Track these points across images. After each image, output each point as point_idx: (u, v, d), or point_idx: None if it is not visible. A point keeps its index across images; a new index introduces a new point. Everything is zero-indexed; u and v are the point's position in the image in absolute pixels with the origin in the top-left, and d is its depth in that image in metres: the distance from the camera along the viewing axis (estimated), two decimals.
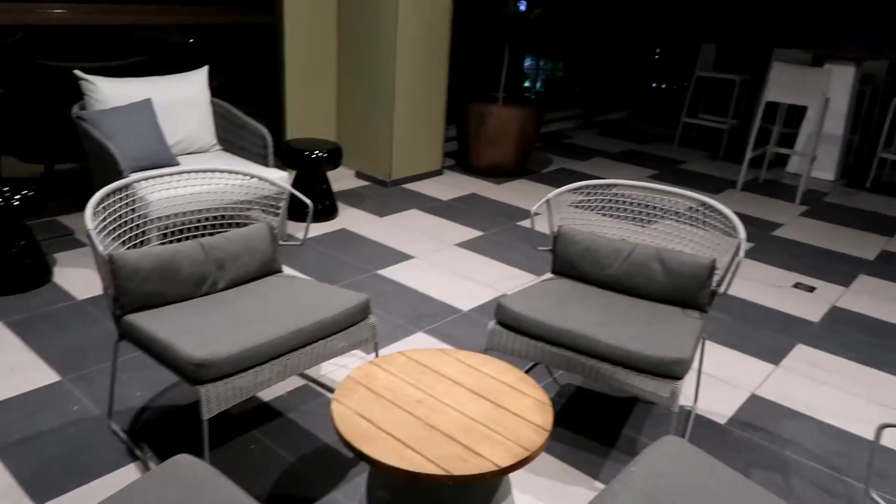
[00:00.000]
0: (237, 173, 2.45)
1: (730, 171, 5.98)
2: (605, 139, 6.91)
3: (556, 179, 5.32)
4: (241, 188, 3.29)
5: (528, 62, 9.64)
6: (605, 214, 2.64)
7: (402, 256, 3.73)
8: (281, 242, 2.43)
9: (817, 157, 5.81)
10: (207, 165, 3.09)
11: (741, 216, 4.82)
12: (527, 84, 7.75)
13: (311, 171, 4.09)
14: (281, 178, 3.47)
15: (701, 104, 6.95)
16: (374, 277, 3.45)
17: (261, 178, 2.42)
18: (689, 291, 2.32)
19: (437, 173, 5.22)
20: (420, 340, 2.88)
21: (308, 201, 2.40)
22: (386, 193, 4.74)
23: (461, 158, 5.44)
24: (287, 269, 3.45)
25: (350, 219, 4.23)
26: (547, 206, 2.58)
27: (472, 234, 4.13)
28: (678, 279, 2.33)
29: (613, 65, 8.25)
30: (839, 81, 5.68)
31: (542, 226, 4.21)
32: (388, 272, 3.52)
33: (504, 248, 3.92)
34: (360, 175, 5.03)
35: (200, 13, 4.45)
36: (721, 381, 2.76)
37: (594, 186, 2.59)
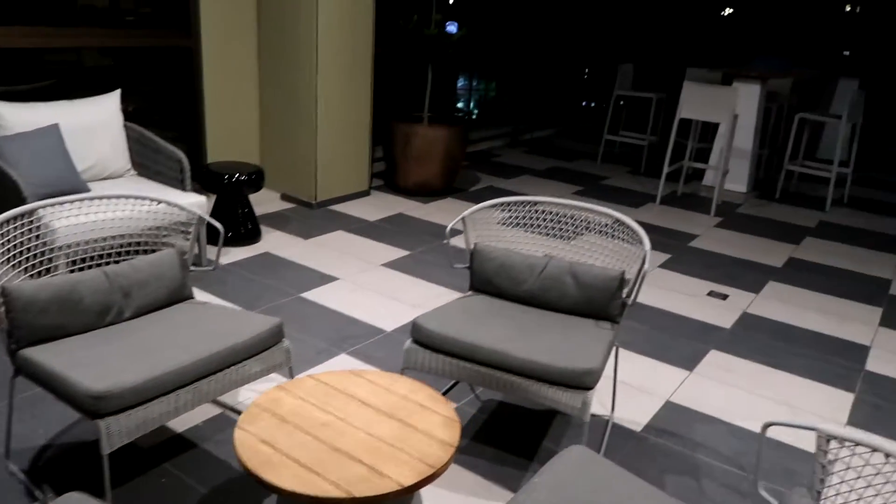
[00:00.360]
0: (145, 199, 2.39)
1: (650, 185, 6.19)
2: (532, 157, 7.06)
3: (483, 197, 5.40)
4: (152, 214, 3.20)
5: (461, 82, 9.77)
6: (526, 230, 2.69)
7: (326, 278, 3.70)
8: (192, 268, 2.38)
9: (730, 171, 6.08)
10: (116, 191, 3.01)
11: (659, 229, 5.00)
12: (460, 104, 7.87)
13: (232, 194, 4.02)
14: (196, 202, 3.40)
15: (622, 122, 7.19)
16: (297, 301, 3.40)
17: (169, 204, 2.36)
18: (601, 303, 2.38)
19: (365, 194, 5.21)
20: (342, 363, 2.86)
21: (219, 226, 2.37)
22: (312, 215, 4.70)
23: (389, 178, 5.45)
24: (207, 296, 3.37)
25: (274, 242, 4.17)
26: (463, 224, 2.61)
27: (398, 253, 4.13)
28: (590, 292, 2.39)
29: (543, 84, 8.46)
30: (747, 99, 5.99)
31: (463, 243, 4.25)
32: (312, 295, 3.48)
33: (430, 266, 3.94)
34: (285, 197, 4.98)
35: (114, 36, 4.35)
36: (637, 390, 2.83)
37: (509, 203, 2.64)
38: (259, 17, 4.73)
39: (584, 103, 8.88)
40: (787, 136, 6.96)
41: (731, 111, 5.26)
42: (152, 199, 2.38)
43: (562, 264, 2.46)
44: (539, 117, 8.70)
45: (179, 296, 2.30)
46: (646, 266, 2.28)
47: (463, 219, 2.59)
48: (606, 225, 2.56)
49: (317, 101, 4.56)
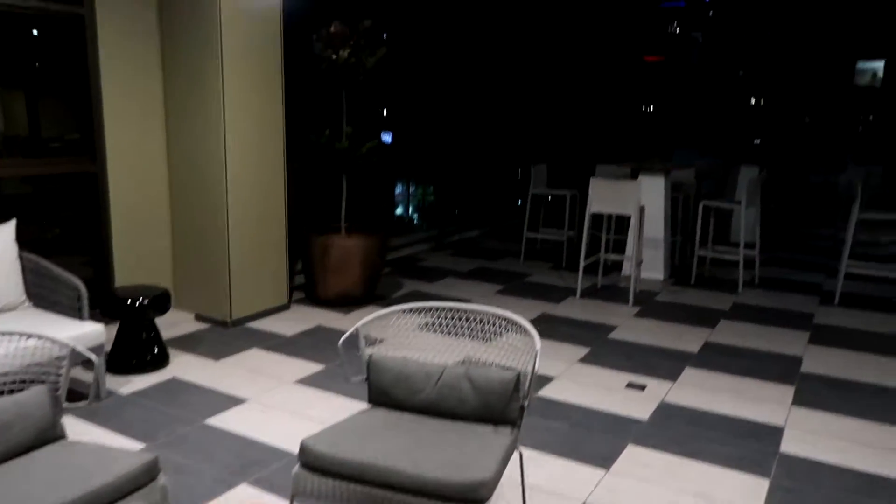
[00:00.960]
0: (12, 335, 2.27)
1: (572, 279, 6.30)
2: (457, 259, 7.14)
3: (405, 303, 5.37)
4: (30, 350, 3.04)
5: (399, 188, 9.93)
6: (443, 334, 2.66)
7: (233, 401, 3.54)
8: (66, 405, 2.23)
9: (644, 260, 6.27)
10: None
11: (579, 322, 5.05)
12: (399, 210, 8.00)
13: (136, 319, 3.88)
14: (90, 332, 3.26)
15: (541, 219, 7.40)
16: (200, 428, 3.23)
17: (40, 337, 2.25)
18: (499, 408, 2.33)
19: (284, 308, 5.12)
20: (242, 493, 2.68)
21: (93, 356, 2.25)
22: (226, 334, 4.57)
23: (309, 291, 5.39)
24: (100, 431, 3.17)
25: (183, 366, 4.01)
26: (359, 335, 2.56)
27: (313, 368, 4.02)
28: (487, 396, 2.34)
29: (468, 187, 8.71)
30: (653, 190, 6.27)
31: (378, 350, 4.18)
32: (218, 420, 3.32)
33: (345, 380, 3.84)
34: (199, 318, 4.84)
35: (13, 165, 4.30)
36: (552, 494, 2.74)
37: (406, 311, 2.62)
38: (168, 139, 4.77)
39: (510, 203, 9.16)
40: (695, 223, 7.28)
41: (636, 203, 5.49)
42: (21, 334, 2.26)
43: (458, 370, 2.42)
44: (465, 219, 8.90)
45: (49, 436, 2.14)
46: (536, 366, 2.26)
47: (357, 330, 2.55)
48: (508, 325, 2.56)
49: (228, 219, 4.54)
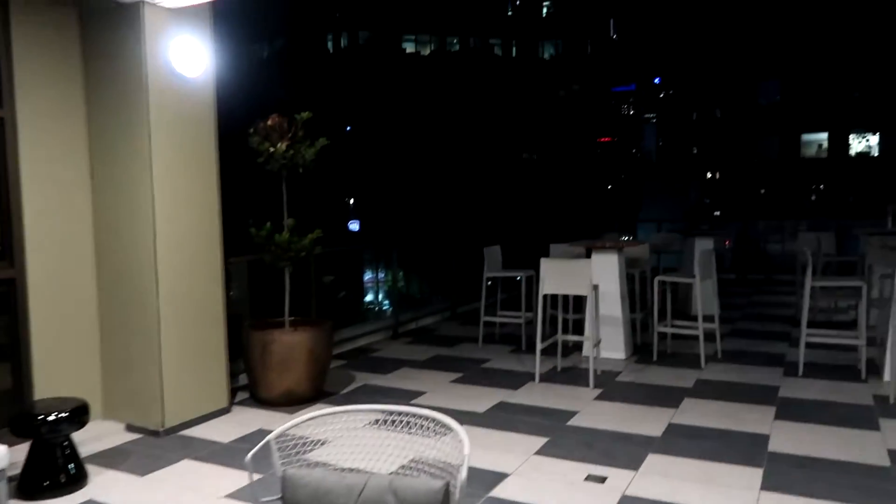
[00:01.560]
0: None
1: (531, 363, 6.08)
2: (413, 347, 6.90)
3: (356, 399, 5.09)
4: None
5: (368, 275, 9.67)
6: (380, 428, 2.42)
7: None
8: None
9: (603, 339, 6.10)
10: None
11: (538, 409, 4.80)
12: (369, 297, 7.77)
13: (50, 436, 3.55)
14: None
15: (498, 302, 7.24)
16: None
17: None
18: None
19: (224, 411, 4.79)
20: None
21: None
22: (157, 445, 4.22)
23: (253, 390, 5.09)
24: None
25: (104, 485, 3.65)
26: (269, 450, 2.31)
27: (246, 480, 3.68)
28: None
29: (431, 270, 8.56)
30: (607, 268, 6.19)
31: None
32: None
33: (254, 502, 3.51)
34: (131, 428, 4.49)
35: None
36: None
37: (319, 417, 2.39)
38: (95, 236, 4.55)
39: (470, 287, 9.00)
40: (653, 298, 7.18)
41: (588, 282, 5.37)
42: None
43: (382, 482, 2.17)
44: (423, 304, 8.71)
45: None
46: (464, 475, 2.03)
47: (270, 443, 2.30)
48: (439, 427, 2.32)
49: (159, 316, 4.28)
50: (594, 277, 5.56)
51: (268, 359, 4.83)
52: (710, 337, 6.33)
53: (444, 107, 42.48)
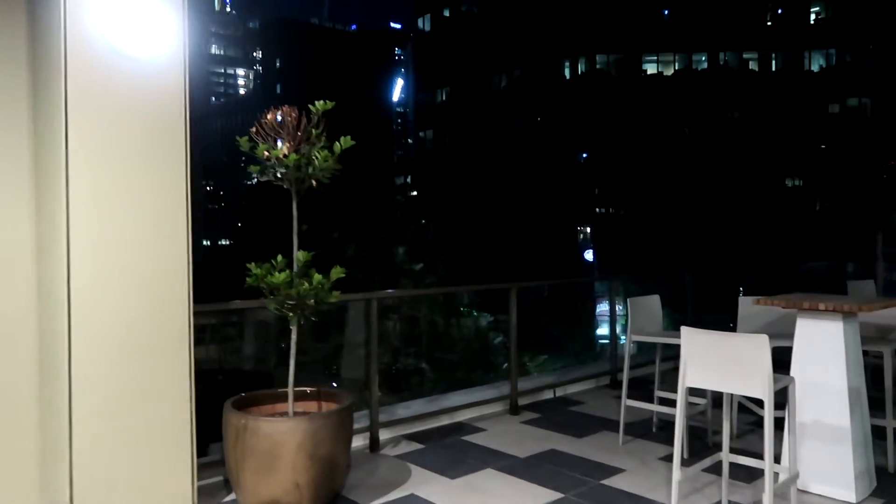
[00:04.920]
0: None
1: (691, 485, 3.86)
2: (527, 431, 4.98)
3: None
4: None
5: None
6: None
7: None
8: None
9: (809, 467, 3.64)
10: None
11: None
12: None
13: None
14: None
15: (657, 375, 5.04)
16: None
17: None
18: None
19: None
20: None
21: None
22: None
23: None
24: None
25: None
26: None
27: None
28: None
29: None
30: (822, 343, 3.74)
31: None
32: None
33: None
34: None
35: None
36: None
37: None
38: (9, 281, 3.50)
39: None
40: None
41: (764, 375, 3.07)
42: None
43: None
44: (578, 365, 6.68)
45: None
46: None
47: None
48: None
49: (70, 396, 3.03)
50: (798, 360, 3.26)
51: (241, 453, 3.38)
52: None
53: (686, 130, 38.67)
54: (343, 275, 3.60)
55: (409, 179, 58.55)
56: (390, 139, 68.39)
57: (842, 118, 37.81)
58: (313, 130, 3.54)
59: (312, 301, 3.53)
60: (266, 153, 3.48)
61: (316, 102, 3.54)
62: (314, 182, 3.55)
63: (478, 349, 10.29)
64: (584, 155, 41.68)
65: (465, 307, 16.70)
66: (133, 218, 3.17)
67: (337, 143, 3.54)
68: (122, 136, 3.15)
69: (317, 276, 3.50)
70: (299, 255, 3.62)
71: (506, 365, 9.01)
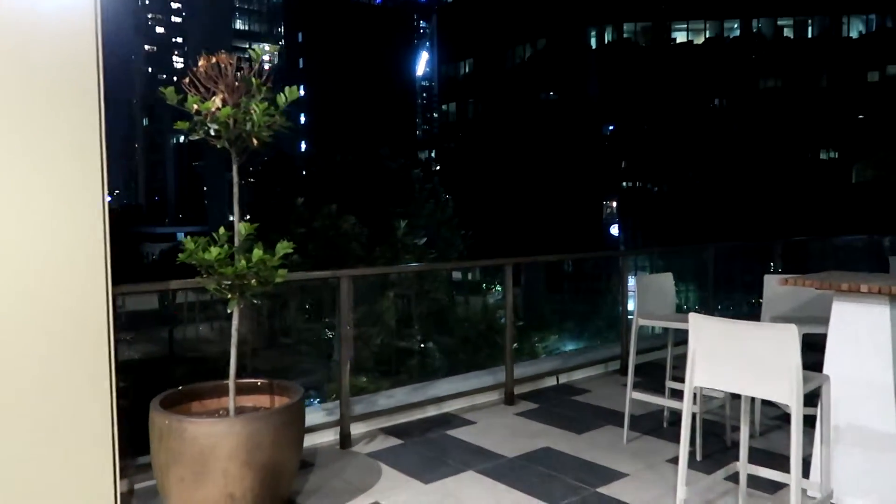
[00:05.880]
0: None
1: (693, 495, 3.30)
2: (521, 424, 4.44)
3: None
4: None
5: None
6: None
7: None
8: None
9: (845, 482, 3.05)
10: None
11: None
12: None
13: None
14: None
15: (669, 364, 4.46)
16: None
17: None
18: None
19: None
20: None
21: None
22: None
23: None
24: None
25: None
26: None
27: None
28: None
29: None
30: (865, 333, 3.11)
31: None
32: None
33: None
34: None
35: None
36: None
37: None
38: None
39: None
40: None
41: (792, 374, 2.48)
42: None
43: None
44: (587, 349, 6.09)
45: None
46: None
47: None
48: None
49: None
50: (834, 352, 2.66)
51: (166, 459, 2.90)
52: None
53: (716, 100, 37.23)
54: (290, 250, 3.07)
55: (433, 154, 57.78)
56: (413, 113, 67.54)
57: (882, 87, 36.07)
58: (254, 80, 2.99)
59: (254, 281, 3.02)
60: (195, 106, 2.94)
61: (254, 46, 2.98)
62: (255, 141, 3.01)
63: (483, 330, 9.74)
64: (611, 127, 40.59)
65: (487, 283, 16.13)
66: (35, 188, 2.66)
67: (280, 94, 2.99)
68: (13, 89, 2.62)
69: (257, 252, 2.97)
70: (241, 228, 3.10)
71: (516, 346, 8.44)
